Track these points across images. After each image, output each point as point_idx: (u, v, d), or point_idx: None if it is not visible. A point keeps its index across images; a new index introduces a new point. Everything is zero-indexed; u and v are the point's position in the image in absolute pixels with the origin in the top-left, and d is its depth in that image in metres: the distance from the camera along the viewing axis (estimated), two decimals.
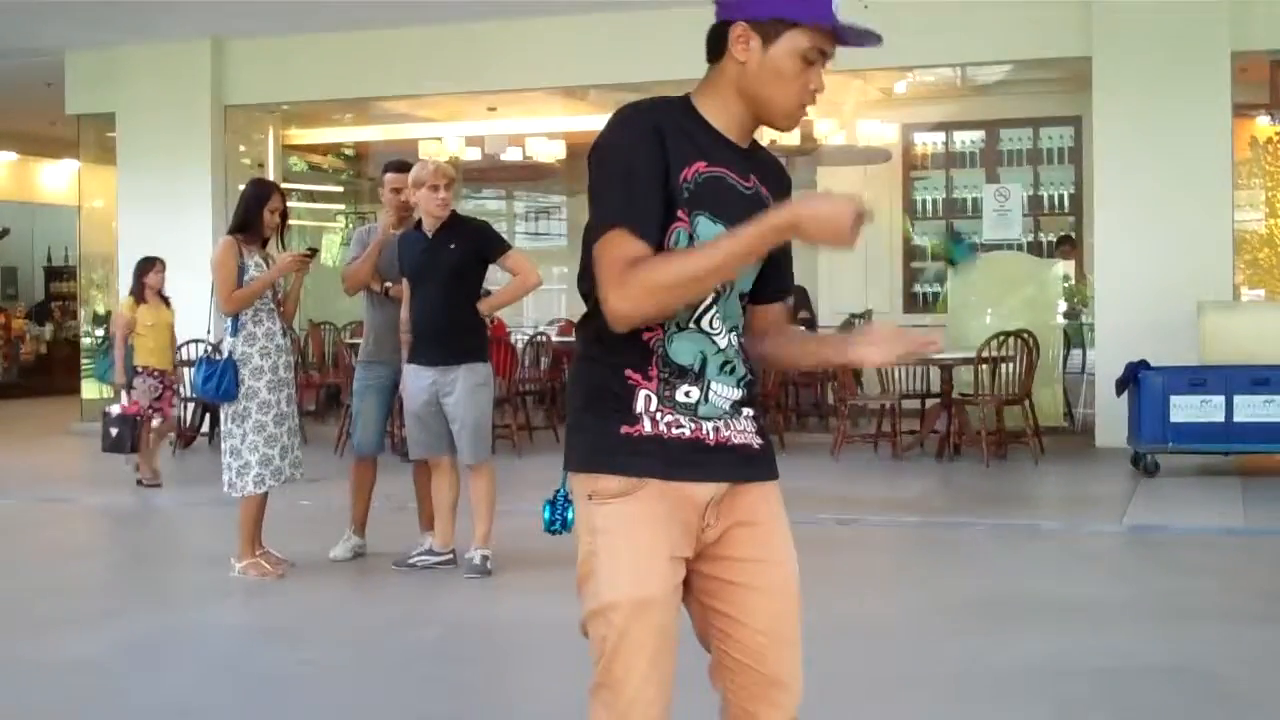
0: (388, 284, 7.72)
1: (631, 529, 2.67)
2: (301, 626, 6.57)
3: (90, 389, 17.22)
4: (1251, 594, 6.97)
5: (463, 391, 7.16)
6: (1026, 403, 11.81)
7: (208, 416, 13.46)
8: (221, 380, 7.21)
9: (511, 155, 17.66)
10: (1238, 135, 12.97)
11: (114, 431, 10.88)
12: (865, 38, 2.69)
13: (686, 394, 2.70)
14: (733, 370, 2.75)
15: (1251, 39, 12.22)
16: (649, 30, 13.53)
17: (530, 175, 18.80)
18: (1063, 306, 14.20)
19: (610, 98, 15.63)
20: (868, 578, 7.47)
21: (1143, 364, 10.98)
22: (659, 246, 2.61)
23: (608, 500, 2.69)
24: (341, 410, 8.43)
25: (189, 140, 15.09)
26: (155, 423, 11.34)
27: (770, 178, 2.82)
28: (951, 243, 11.01)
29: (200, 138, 15.10)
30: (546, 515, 2.86)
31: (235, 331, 7.32)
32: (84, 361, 17.54)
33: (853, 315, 14.49)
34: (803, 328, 2.87)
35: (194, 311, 9.32)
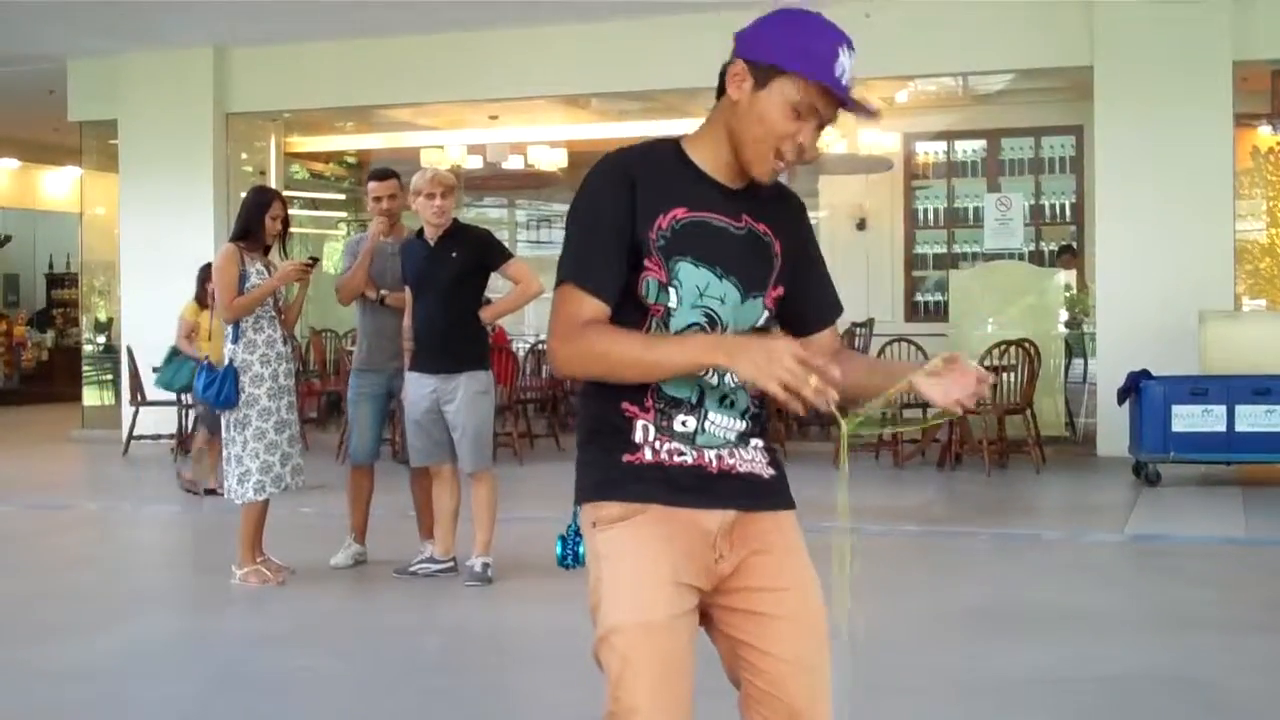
0: (383, 291, 7.73)
1: (632, 554, 2.67)
2: (302, 634, 6.57)
3: (91, 396, 17.25)
4: (1252, 604, 6.96)
5: (464, 399, 7.16)
6: (1028, 412, 11.81)
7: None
8: (222, 387, 7.22)
9: (513, 164, 17.69)
10: (1239, 145, 12.98)
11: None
12: (860, 106, 2.65)
13: (683, 423, 2.71)
14: (733, 405, 2.75)
15: (1253, 49, 12.23)
16: (651, 39, 13.55)
17: (532, 184, 18.84)
18: (1064, 316, 14.20)
19: (612, 106, 15.68)
20: (869, 587, 7.43)
21: (1144, 373, 10.98)
22: (621, 296, 2.66)
23: (609, 526, 2.70)
24: (342, 418, 8.43)
25: (191, 147, 15.10)
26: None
27: (769, 212, 2.80)
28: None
29: (202, 145, 15.11)
30: (559, 551, 2.89)
31: (236, 339, 7.32)
32: (85, 368, 17.56)
33: (855, 324, 14.48)
34: (864, 354, 2.83)
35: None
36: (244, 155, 15.95)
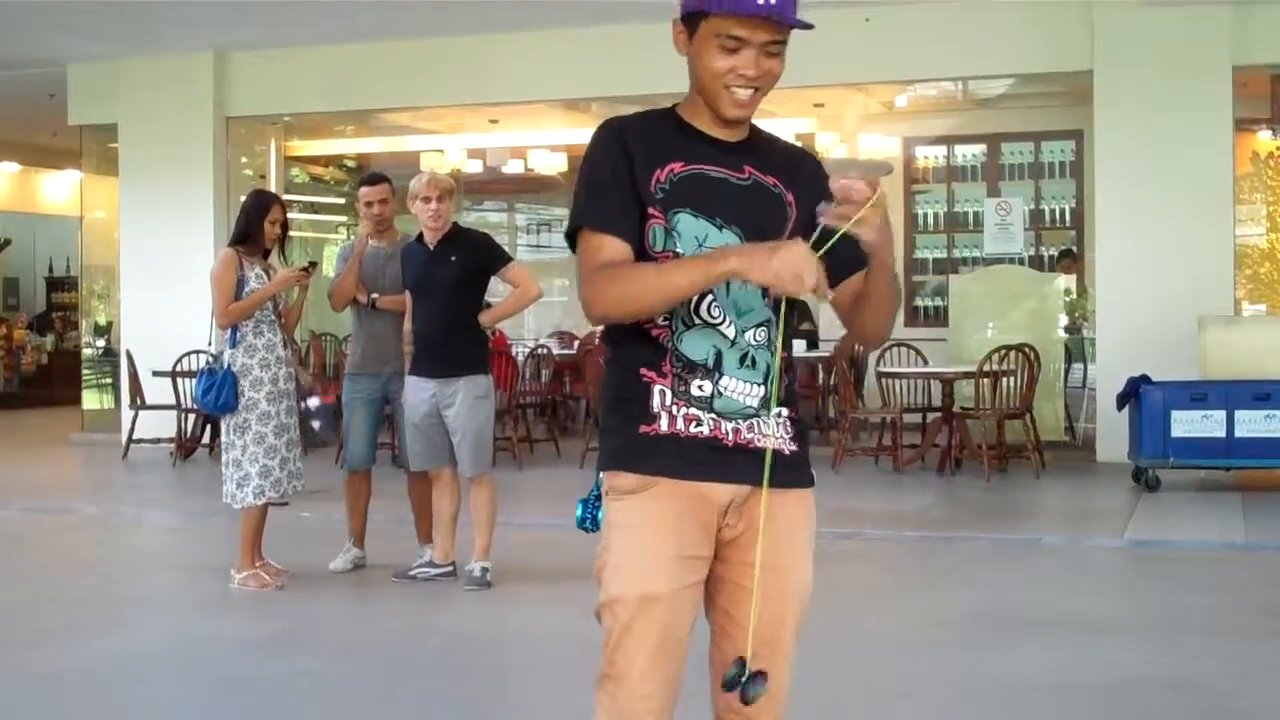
0: (374, 295, 7.73)
1: (642, 525, 2.74)
2: (301, 638, 6.56)
3: (91, 399, 17.25)
4: (1252, 609, 6.96)
5: (463, 403, 7.16)
6: (1027, 417, 11.80)
7: (209, 428, 13.45)
8: (221, 392, 7.21)
9: (513, 168, 17.68)
10: (1239, 150, 12.97)
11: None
12: (779, 10, 2.66)
13: (700, 387, 2.75)
14: (754, 365, 2.76)
15: (1252, 54, 12.22)
16: (650, 43, 13.40)
17: (532, 187, 18.83)
18: (1064, 320, 14.20)
19: (612, 110, 15.61)
20: (868, 591, 7.46)
21: (1144, 378, 10.97)
22: (636, 239, 2.72)
23: (622, 496, 2.76)
24: (340, 422, 8.43)
25: (191, 152, 15.09)
26: None
27: (778, 165, 2.85)
28: None
29: (202, 149, 15.09)
30: (579, 512, 2.92)
31: (235, 343, 7.32)
32: (85, 372, 17.56)
33: None
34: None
35: (196, 323, 9.30)
36: (244, 159, 15.95)
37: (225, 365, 7.35)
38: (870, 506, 10.34)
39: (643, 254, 2.74)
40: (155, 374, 13.61)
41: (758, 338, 2.78)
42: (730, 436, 2.76)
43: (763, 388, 2.78)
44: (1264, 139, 13.95)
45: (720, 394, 2.75)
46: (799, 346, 14.09)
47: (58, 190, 22.78)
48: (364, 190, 7.94)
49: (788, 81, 2.85)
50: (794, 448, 2.85)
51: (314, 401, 8.73)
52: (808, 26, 2.70)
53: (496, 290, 7.69)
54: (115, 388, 16.33)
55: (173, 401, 13.41)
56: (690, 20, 2.73)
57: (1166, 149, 12.22)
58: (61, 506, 11.08)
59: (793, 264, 2.52)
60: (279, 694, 5.62)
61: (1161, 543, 8.89)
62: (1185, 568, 8.14)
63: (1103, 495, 10.92)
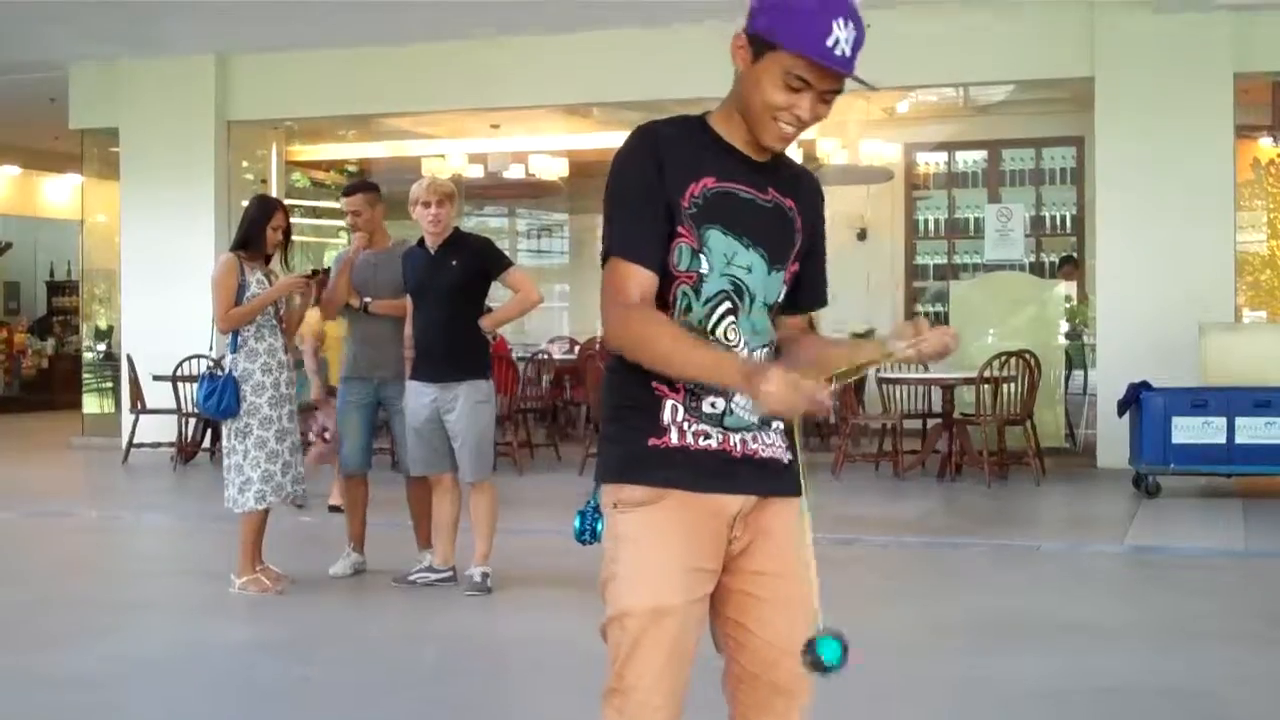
0: (366, 300, 7.72)
1: (653, 538, 2.73)
2: (301, 642, 6.56)
3: (91, 403, 17.26)
4: (1252, 616, 6.96)
5: (464, 408, 7.16)
6: (1028, 423, 11.81)
7: (209, 432, 13.46)
8: (223, 397, 7.21)
9: (514, 173, 17.68)
10: (1240, 157, 12.99)
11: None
12: (851, 68, 2.66)
13: (712, 404, 2.75)
14: None
15: (1254, 60, 12.24)
16: (652, 48, 13.55)
17: (533, 193, 18.83)
18: (1065, 327, 14.20)
19: (614, 116, 15.68)
20: (868, 597, 7.46)
21: (1144, 385, 10.97)
22: (662, 263, 2.71)
23: (632, 509, 2.75)
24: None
25: (192, 156, 15.09)
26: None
27: (796, 189, 2.87)
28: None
29: (204, 153, 15.10)
30: (577, 525, 2.91)
31: (236, 348, 7.32)
32: (85, 376, 17.56)
33: (854, 334, 14.47)
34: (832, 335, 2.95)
35: (197, 327, 9.30)
36: (245, 163, 15.96)
37: (227, 370, 7.35)
38: (870, 512, 10.34)
39: (665, 272, 2.72)
40: (156, 378, 13.62)
41: (763, 357, 2.81)
42: (738, 448, 2.78)
43: None
44: (1265, 146, 13.97)
45: (732, 411, 2.76)
46: None
47: (59, 194, 22.79)
48: (344, 200, 8.00)
49: (844, 87, 2.84)
50: (788, 456, 2.87)
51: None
52: (871, 87, 2.69)
53: (497, 295, 7.69)
54: (116, 392, 16.34)
55: (173, 406, 13.42)
56: (758, 43, 2.68)
57: (1167, 155, 12.23)
58: (62, 510, 11.09)
59: (782, 400, 2.50)
60: (279, 699, 5.61)
61: (1162, 549, 8.89)
62: (1186, 574, 8.14)
63: (1103, 501, 10.92)
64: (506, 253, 7.76)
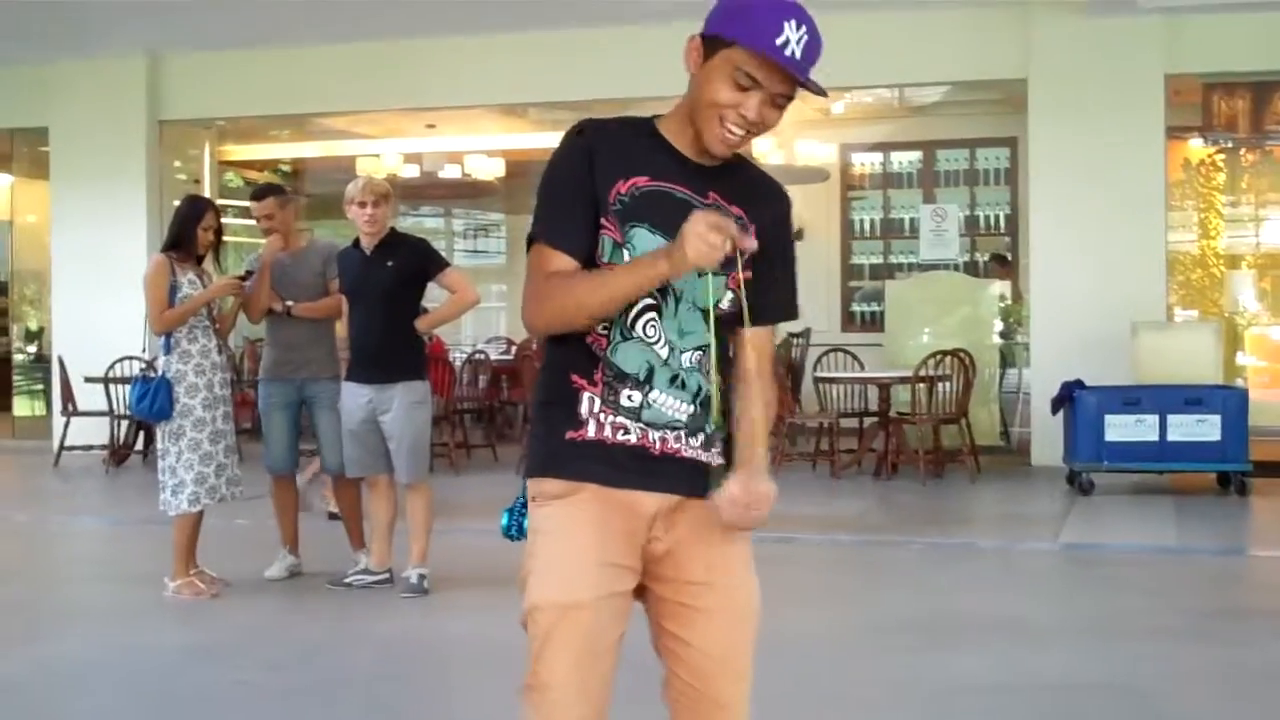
0: (288, 303, 7.67)
1: (565, 532, 2.72)
2: (236, 646, 6.51)
3: (22, 406, 17.06)
4: (1184, 612, 7.02)
5: (400, 410, 7.13)
6: (963, 422, 11.88)
7: (142, 434, 13.33)
8: (155, 399, 7.15)
9: (450, 173, 17.63)
10: (1171, 157, 13.11)
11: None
12: (801, 69, 2.65)
13: (629, 398, 2.74)
14: (684, 386, 2.75)
15: (1184, 62, 12.36)
16: (588, 49, 13.54)
17: (469, 193, 18.78)
18: (999, 326, 14.30)
19: (549, 116, 15.66)
20: (803, 596, 7.48)
21: (1078, 383, 11.07)
22: (587, 253, 2.72)
23: (547, 503, 2.75)
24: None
25: (124, 156, 14.94)
26: None
27: (750, 196, 2.82)
28: None
29: (135, 153, 14.95)
30: (504, 521, 2.90)
31: (169, 350, 7.25)
32: (15, 378, 17.36)
33: (792, 334, 14.53)
34: (755, 405, 2.86)
35: (128, 329, 9.21)
36: (177, 163, 15.81)
37: (160, 372, 7.29)
38: (806, 511, 10.37)
39: (591, 264, 2.73)
40: (87, 380, 13.47)
41: (693, 360, 2.76)
42: (657, 445, 2.75)
43: (692, 406, 2.76)
44: (1195, 147, 14.10)
45: (649, 405, 2.74)
46: None
47: None
48: (253, 206, 7.94)
49: (795, 93, 2.82)
50: (721, 461, 2.82)
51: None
52: (822, 93, 2.69)
53: (434, 296, 7.66)
54: (47, 394, 16.16)
55: (105, 408, 13.28)
56: (710, 43, 2.68)
57: (1100, 156, 12.34)
58: None
59: (699, 239, 2.53)
60: (214, 704, 5.57)
61: (1095, 546, 8.97)
62: (1119, 571, 8.21)
63: (1037, 499, 11.01)
64: (443, 253, 7.74)
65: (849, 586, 7.96)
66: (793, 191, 11.07)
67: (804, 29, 2.64)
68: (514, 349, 15.75)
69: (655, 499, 2.75)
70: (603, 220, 2.71)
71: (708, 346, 2.76)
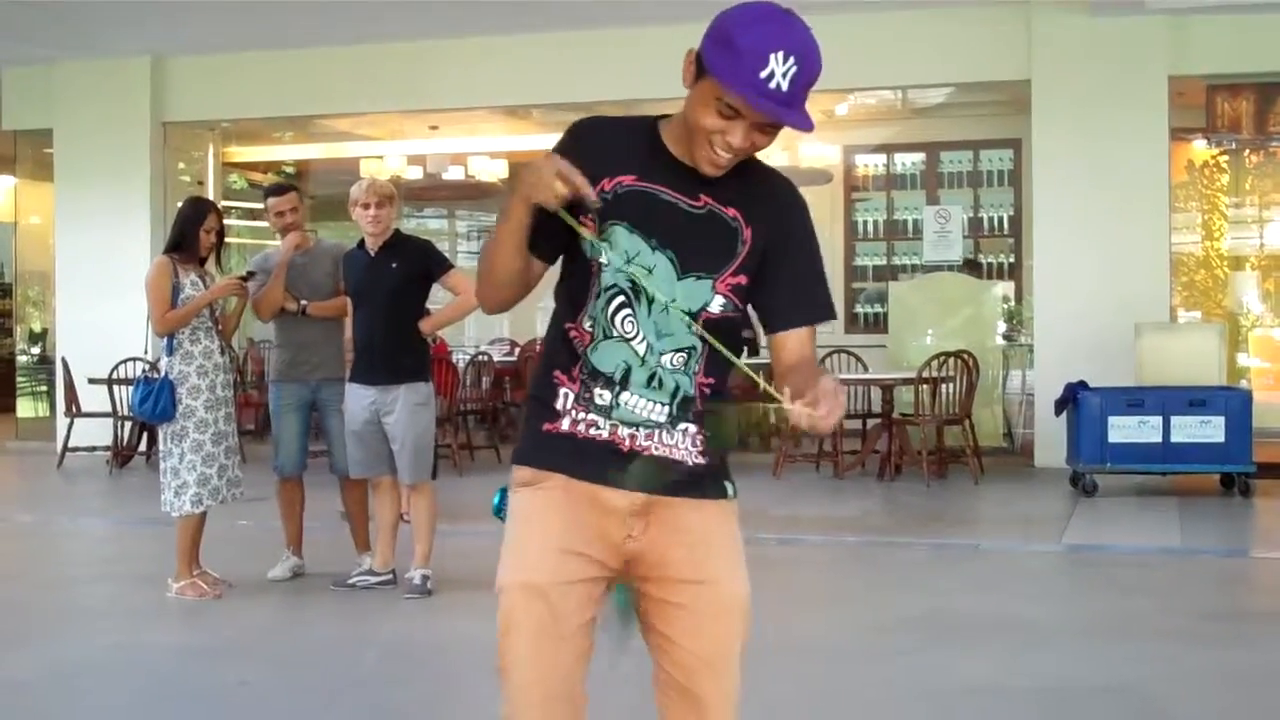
0: (303, 302, 7.67)
1: (529, 517, 2.78)
2: (240, 647, 6.51)
3: (25, 407, 17.07)
4: (1188, 614, 7.02)
5: (403, 411, 7.13)
6: (967, 423, 11.88)
7: (145, 435, 13.34)
8: (158, 400, 7.15)
9: (453, 174, 17.61)
10: (1175, 159, 13.11)
11: None
12: (784, 104, 2.57)
13: (600, 395, 2.76)
14: (660, 385, 2.75)
15: (1188, 64, 12.36)
16: (591, 51, 13.55)
17: (472, 194, 18.76)
18: (1002, 327, 14.30)
19: (553, 117, 15.66)
20: (807, 597, 7.48)
21: (1081, 385, 11.06)
22: (551, 247, 2.77)
23: (518, 489, 2.81)
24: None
25: (128, 157, 14.96)
26: None
27: (750, 200, 2.77)
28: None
29: (139, 155, 14.97)
30: (496, 500, 2.96)
31: (171, 351, 7.26)
32: (19, 380, 17.37)
33: None
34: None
35: (132, 330, 9.21)
36: (181, 165, 15.83)
37: (162, 373, 7.29)
38: (810, 513, 10.38)
39: (579, 258, 2.75)
40: (91, 381, 13.48)
41: (674, 362, 2.75)
42: (627, 442, 2.76)
43: (668, 408, 2.76)
44: (1199, 148, 14.11)
45: (619, 405, 2.75)
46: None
47: None
48: (272, 201, 7.91)
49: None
50: (700, 460, 2.81)
51: None
52: (807, 128, 2.60)
53: (439, 298, 7.66)
54: (50, 395, 16.17)
55: (109, 409, 13.29)
56: (700, 64, 2.62)
57: (1103, 158, 12.34)
58: None
59: (535, 176, 2.59)
60: (217, 704, 5.57)
61: (1098, 547, 8.96)
62: (1122, 572, 8.21)
63: (1041, 500, 11.00)
64: (446, 255, 7.73)
65: (852, 587, 7.96)
66: None
67: (792, 60, 2.54)
68: (517, 350, 15.75)
69: (622, 495, 2.76)
70: (583, 219, 2.69)
71: (693, 349, 2.75)
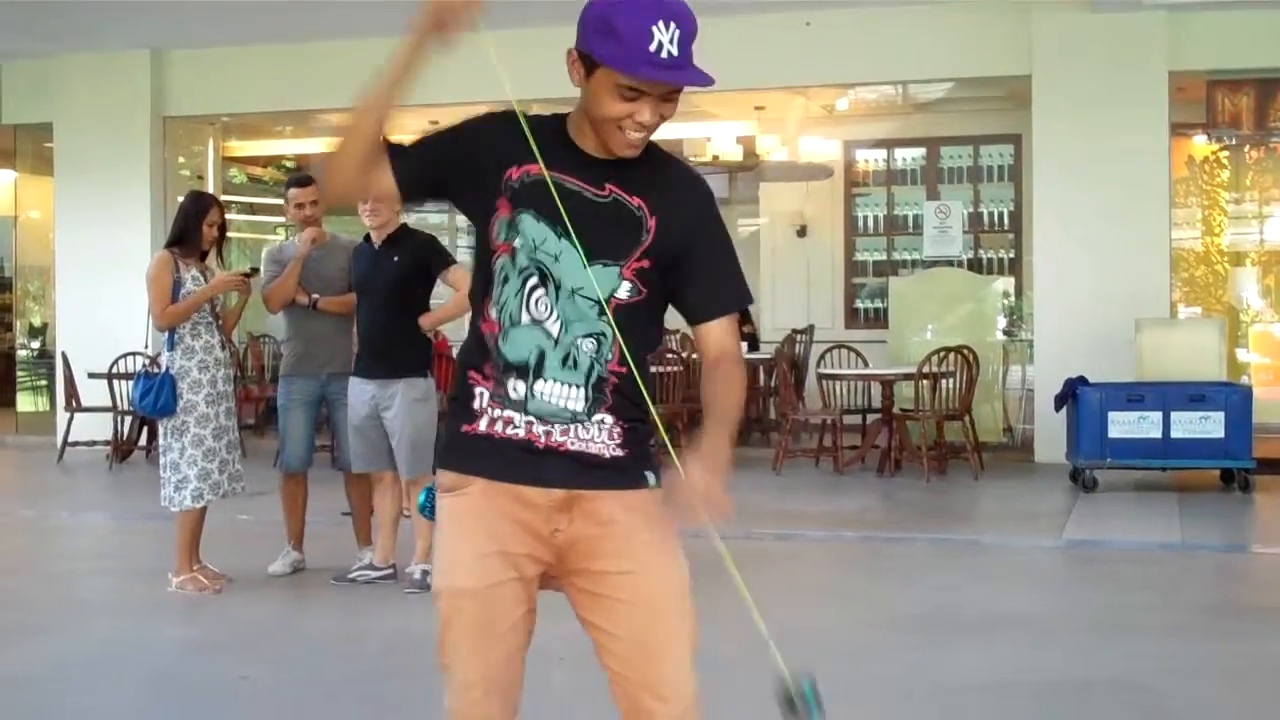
0: (315, 296, 7.67)
1: (455, 525, 2.83)
2: (240, 642, 6.51)
3: (26, 401, 17.06)
4: (1188, 608, 7.03)
5: (401, 406, 7.13)
6: (967, 418, 11.87)
7: (145, 430, 13.33)
8: (159, 395, 7.15)
9: None
10: (1175, 154, 13.10)
11: None
12: (678, 69, 2.64)
13: (514, 389, 2.79)
14: (575, 365, 2.77)
15: (1189, 59, 12.35)
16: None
17: None
18: (1002, 322, 14.29)
19: (552, 110, 15.65)
20: (806, 592, 7.48)
21: (1081, 380, 11.06)
22: (480, 246, 2.83)
23: (444, 495, 2.85)
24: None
25: (127, 152, 14.94)
26: None
27: (655, 188, 2.81)
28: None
29: (139, 149, 14.95)
30: (421, 499, 3.06)
31: (172, 345, 7.25)
32: (20, 374, 17.37)
33: (795, 331, 14.53)
34: (729, 388, 2.78)
35: (132, 325, 9.20)
36: (181, 159, 15.81)
37: (163, 367, 7.29)
38: (810, 508, 10.38)
39: (484, 246, 2.82)
40: (91, 376, 13.48)
41: (586, 347, 2.78)
42: (543, 439, 2.79)
43: (582, 390, 2.78)
44: (1199, 143, 14.10)
45: (534, 396, 2.78)
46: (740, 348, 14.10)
47: None
48: (294, 192, 7.87)
49: (728, 84, 2.85)
50: (619, 452, 2.82)
51: None
52: (707, 82, 2.65)
53: (444, 294, 7.64)
54: (50, 390, 16.16)
55: (109, 404, 13.29)
56: (585, 59, 2.70)
57: (1104, 153, 12.33)
58: None
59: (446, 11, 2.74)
60: (217, 698, 5.57)
61: (1098, 543, 8.96)
62: (1122, 568, 8.21)
63: (1041, 496, 10.99)
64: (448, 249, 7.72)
65: (852, 583, 7.95)
66: (796, 188, 11.11)
67: (673, 25, 2.61)
68: None
69: (541, 493, 2.79)
70: (497, 203, 2.78)
71: (603, 336, 2.78)
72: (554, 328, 2.76)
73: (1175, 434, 10.63)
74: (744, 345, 15.22)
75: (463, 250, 20.02)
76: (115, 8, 13.19)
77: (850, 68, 13.39)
